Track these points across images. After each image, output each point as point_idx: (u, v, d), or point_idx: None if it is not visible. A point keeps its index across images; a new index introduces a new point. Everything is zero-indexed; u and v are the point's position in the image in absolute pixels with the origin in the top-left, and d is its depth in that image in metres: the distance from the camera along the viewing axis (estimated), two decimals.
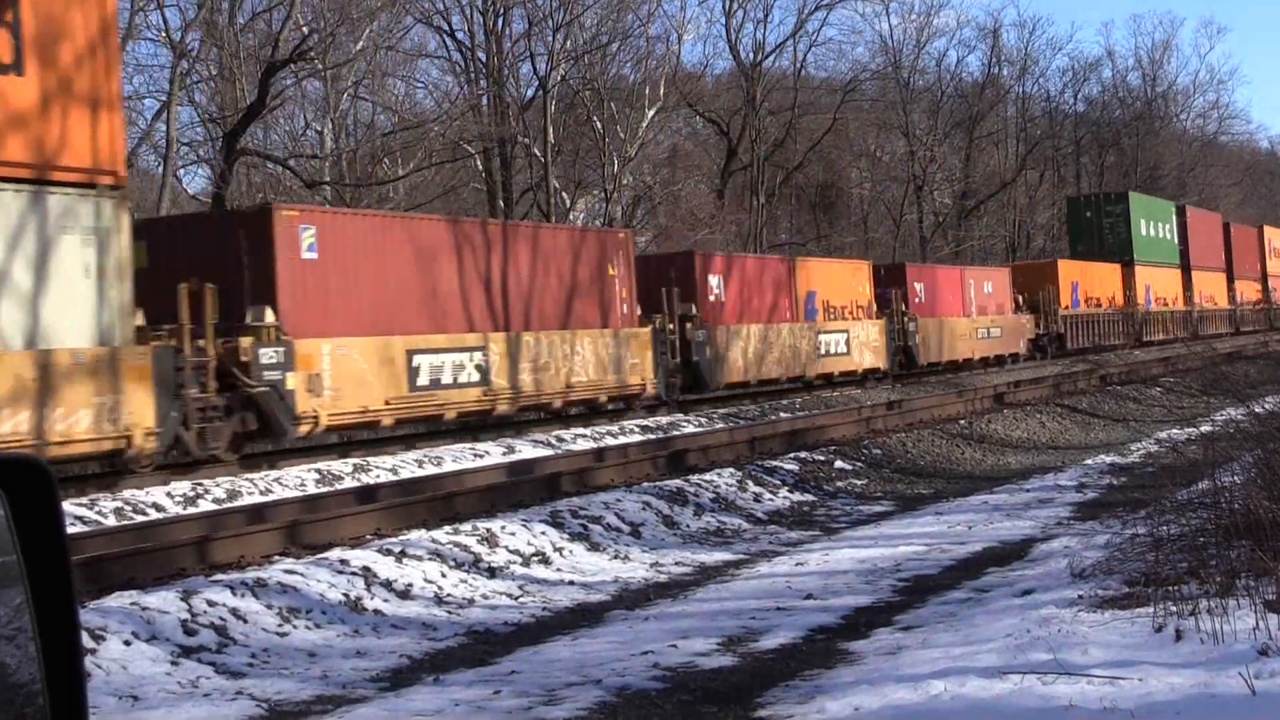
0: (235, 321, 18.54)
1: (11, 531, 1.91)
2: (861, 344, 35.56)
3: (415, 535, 11.91)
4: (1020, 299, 45.73)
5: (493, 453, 19.70)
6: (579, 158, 48.81)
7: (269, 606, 9.40)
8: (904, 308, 37.15)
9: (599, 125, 45.61)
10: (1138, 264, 56.50)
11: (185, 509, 14.69)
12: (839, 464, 18.23)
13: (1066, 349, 47.30)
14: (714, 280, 30.35)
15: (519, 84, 48.04)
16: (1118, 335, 52.65)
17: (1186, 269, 62.42)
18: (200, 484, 15.91)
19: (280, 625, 9.21)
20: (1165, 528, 9.13)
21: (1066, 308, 48.02)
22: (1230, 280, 69.31)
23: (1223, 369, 33.91)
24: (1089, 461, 18.98)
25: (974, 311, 42.22)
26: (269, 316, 18.96)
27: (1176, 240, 62.48)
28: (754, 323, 31.26)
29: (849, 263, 39.27)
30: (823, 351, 33.96)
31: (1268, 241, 77.06)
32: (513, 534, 12.24)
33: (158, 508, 14.68)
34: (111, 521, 13.67)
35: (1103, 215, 58.13)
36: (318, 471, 17.21)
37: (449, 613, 10.05)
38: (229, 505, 14.78)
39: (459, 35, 46.27)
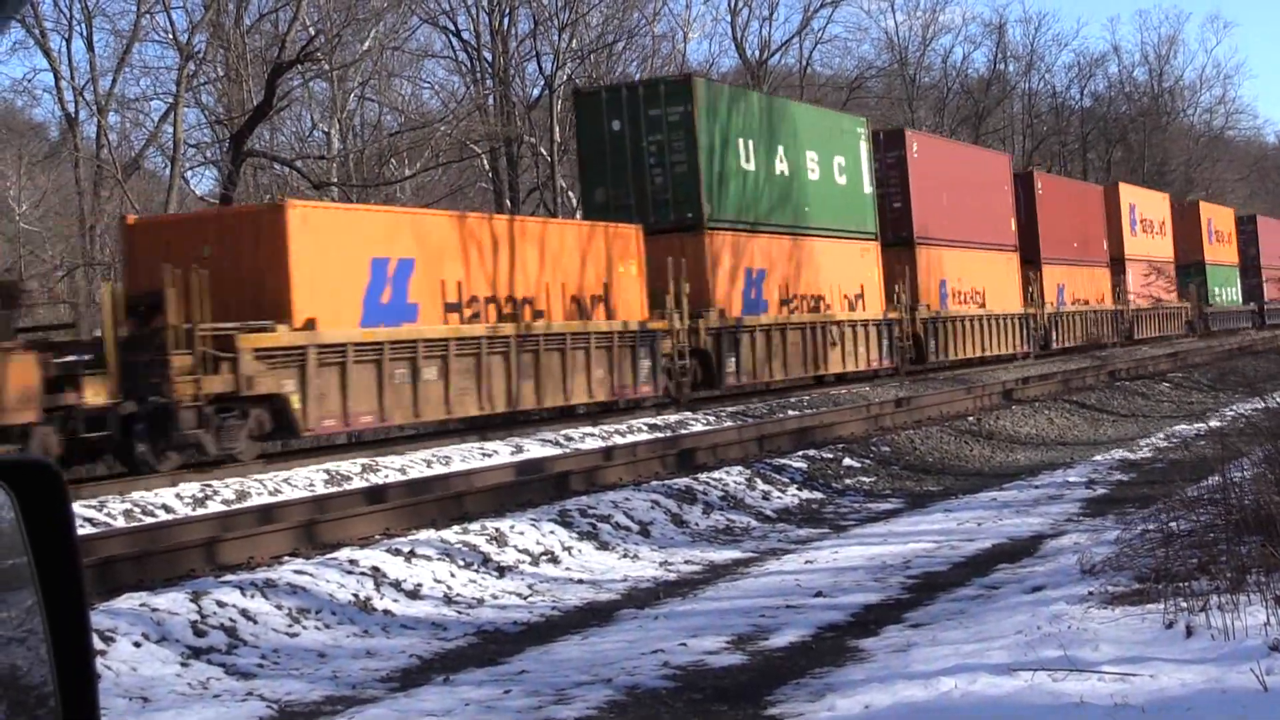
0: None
1: (22, 533, 1.91)
2: None
3: (424, 535, 11.92)
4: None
5: (501, 452, 19.70)
6: None
7: (279, 607, 9.40)
8: None
9: None
10: (722, 229, 27.61)
11: (194, 510, 14.70)
12: (847, 461, 18.22)
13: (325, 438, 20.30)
14: None
15: (525, 83, 48.10)
16: (604, 383, 23.97)
17: (905, 244, 34.94)
18: (209, 485, 15.92)
19: (290, 626, 9.22)
20: (1175, 523, 9.12)
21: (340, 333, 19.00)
22: (1033, 267, 42.09)
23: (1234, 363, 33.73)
24: (1098, 458, 18.95)
25: None
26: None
27: (870, 188, 33.40)
28: None
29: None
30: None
31: (1128, 208, 51.90)
32: (522, 533, 12.24)
33: (167, 509, 14.70)
34: (121, 523, 13.68)
35: (643, 130, 27.34)
36: (326, 472, 17.21)
37: (458, 612, 10.05)
38: (238, 506, 14.79)
39: (465, 35, 46.32)
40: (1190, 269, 57.81)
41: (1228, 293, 63.34)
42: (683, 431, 22.60)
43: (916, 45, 71.29)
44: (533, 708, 7.17)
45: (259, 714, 7.45)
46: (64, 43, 37.93)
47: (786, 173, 30.71)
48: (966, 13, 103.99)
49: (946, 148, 41.33)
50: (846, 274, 32.29)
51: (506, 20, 45.57)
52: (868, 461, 18.53)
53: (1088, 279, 47.13)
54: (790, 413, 25.54)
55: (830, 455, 18.34)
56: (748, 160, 29.22)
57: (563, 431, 21.98)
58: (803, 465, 17.49)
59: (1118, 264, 49.98)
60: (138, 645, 8.36)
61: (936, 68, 73.27)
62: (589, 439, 21.31)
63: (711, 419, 24.70)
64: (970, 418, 23.44)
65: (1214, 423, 17.66)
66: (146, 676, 8.03)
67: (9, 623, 1.89)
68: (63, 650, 1.91)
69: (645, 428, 23.16)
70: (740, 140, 28.99)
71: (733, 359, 27.26)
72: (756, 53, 59.28)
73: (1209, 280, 59.70)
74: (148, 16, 36.78)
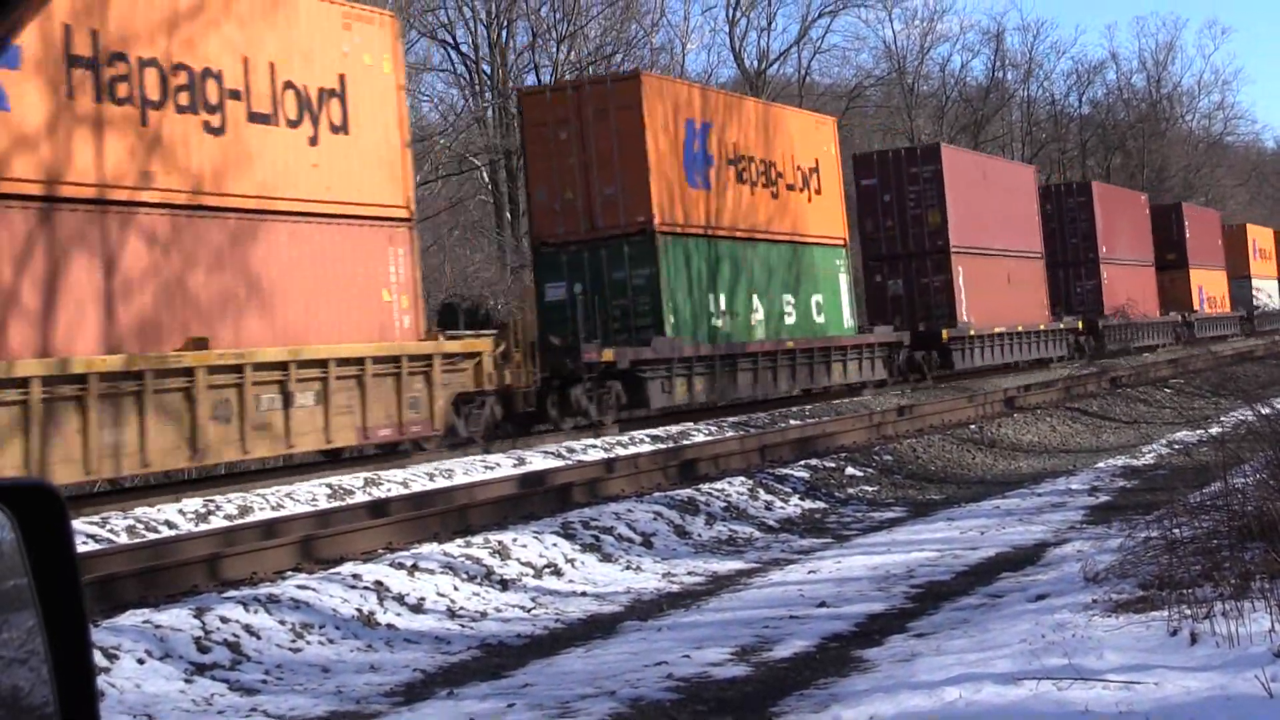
0: None
1: (23, 555, 1.91)
2: None
3: (427, 549, 11.90)
4: None
5: (503, 464, 19.70)
6: None
7: (282, 622, 9.40)
8: None
9: None
10: None
11: (197, 525, 14.70)
12: (850, 470, 18.21)
13: None
14: None
15: None
16: None
17: None
18: (211, 500, 15.92)
19: (293, 641, 9.21)
20: (1178, 530, 9.12)
21: None
22: None
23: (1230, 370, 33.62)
24: (1100, 465, 18.94)
25: None
26: None
27: None
28: None
29: None
30: None
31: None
32: (524, 546, 12.23)
33: (169, 525, 14.70)
34: (123, 539, 13.68)
35: None
36: (329, 486, 17.22)
37: (462, 626, 10.04)
38: (240, 521, 14.78)
39: (463, 48, 46.41)
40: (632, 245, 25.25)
41: (772, 308, 28.78)
42: (685, 442, 22.60)
43: (915, 54, 71.39)
44: None
45: None
46: None
47: None
48: (964, 21, 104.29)
49: None
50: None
51: (505, 33, 45.72)
52: (870, 470, 18.52)
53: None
54: (792, 422, 25.53)
55: (833, 464, 18.33)
56: None
57: (564, 443, 21.99)
58: (805, 475, 17.48)
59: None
60: (141, 662, 8.36)
61: (935, 76, 73.36)
62: (591, 450, 21.32)
63: (714, 429, 24.67)
64: (972, 426, 23.43)
65: (1215, 429, 17.67)
66: (150, 693, 8.03)
67: (10, 644, 1.89)
68: (64, 671, 1.91)
69: (647, 439, 23.14)
70: None
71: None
72: (755, 63, 59.44)
73: (668, 285, 25.35)
74: None
